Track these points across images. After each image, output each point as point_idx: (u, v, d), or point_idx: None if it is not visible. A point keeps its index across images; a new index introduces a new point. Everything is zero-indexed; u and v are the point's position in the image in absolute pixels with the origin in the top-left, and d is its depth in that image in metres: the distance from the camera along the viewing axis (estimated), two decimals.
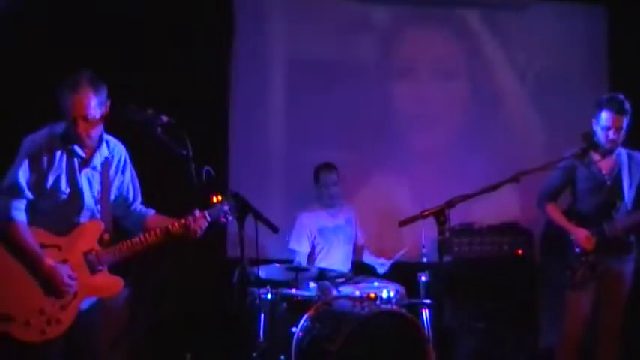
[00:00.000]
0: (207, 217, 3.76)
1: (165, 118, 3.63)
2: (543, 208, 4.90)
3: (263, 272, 4.94)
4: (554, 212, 4.85)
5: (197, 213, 3.72)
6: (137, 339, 5.22)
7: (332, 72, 6.42)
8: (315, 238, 5.71)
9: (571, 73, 6.66)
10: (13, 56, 5.45)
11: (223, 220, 3.83)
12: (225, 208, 3.81)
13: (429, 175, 6.46)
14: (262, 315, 4.88)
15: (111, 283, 3.66)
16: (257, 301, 4.89)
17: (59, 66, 4.25)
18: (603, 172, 4.78)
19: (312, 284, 5.05)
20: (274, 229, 3.85)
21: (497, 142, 6.60)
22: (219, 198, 3.78)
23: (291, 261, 5.54)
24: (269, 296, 4.88)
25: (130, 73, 5.69)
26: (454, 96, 6.66)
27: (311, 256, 5.73)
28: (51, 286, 3.47)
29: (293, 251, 5.68)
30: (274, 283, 4.99)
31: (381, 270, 5.71)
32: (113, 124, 3.69)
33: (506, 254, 5.86)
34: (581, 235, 4.69)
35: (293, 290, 5.01)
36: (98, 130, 3.60)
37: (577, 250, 4.69)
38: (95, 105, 3.50)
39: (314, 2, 6.54)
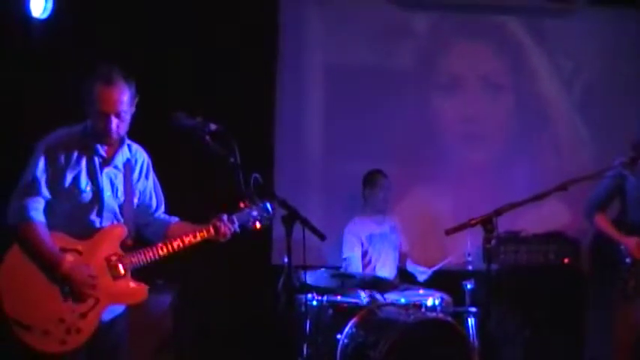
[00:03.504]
0: (235, 220, 3.62)
1: (213, 126, 3.55)
2: (592, 218, 4.83)
3: (310, 279, 4.95)
4: (604, 222, 4.78)
5: (225, 217, 3.58)
6: (182, 346, 5.27)
7: (375, 81, 6.38)
8: (364, 244, 5.70)
9: (619, 81, 6.52)
10: (61, 71, 5.51)
11: (252, 226, 3.68)
12: (254, 213, 3.66)
13: (473, 185, 6.39)
14: (308, 322, 4.88)
15: (134, 291, 3.44)
16: (303, 308, 4.90)
17: None
18: None
19: (362, 294, 5.04)
20: (321, 237, 3.79)
21: (544, 153, 6.53)
22: (247, 203, 3.66)
23: (338, 267, 5.54)
24: (315, 303, 4.90)
25: (179, 82, 5.77)
26: (499, 106, 6.59)
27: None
28: (70, 289, 3.25)
29: (346, 259, 5.62)
30: (320, 290, 4.99)
31: (421, 278, 5.69)
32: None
33: (553, 263, 5.81)
34: (632, 243, 4.62)
35: (339, 297, 5.02)
36: (127, 127, 3.44)
37: (628, 260, 4.62)
38: (127, 100, 3.35)
39: (360, 12, 6.49)
